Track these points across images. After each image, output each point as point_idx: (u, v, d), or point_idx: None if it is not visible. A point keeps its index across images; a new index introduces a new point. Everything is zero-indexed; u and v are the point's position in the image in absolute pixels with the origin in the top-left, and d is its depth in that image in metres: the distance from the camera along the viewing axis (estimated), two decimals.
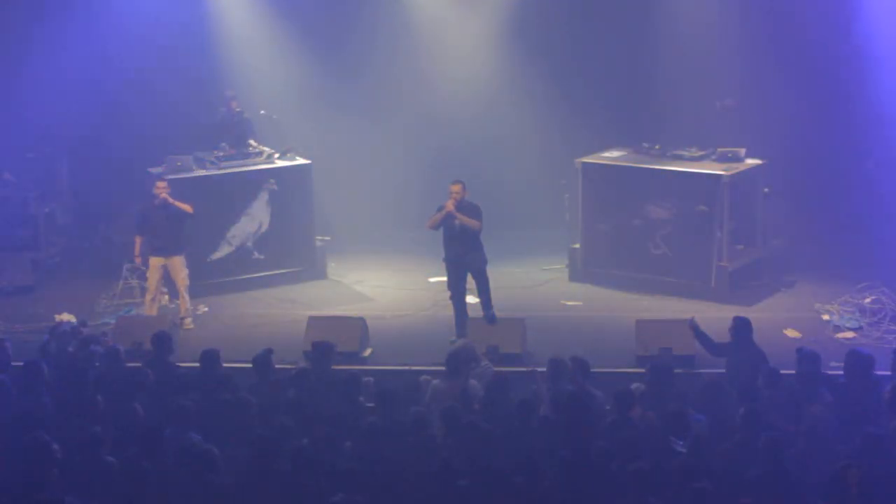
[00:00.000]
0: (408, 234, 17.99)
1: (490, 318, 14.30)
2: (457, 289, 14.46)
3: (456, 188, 14.37)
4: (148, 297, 15.23)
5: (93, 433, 10.01)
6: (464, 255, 14.34)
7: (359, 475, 9.52)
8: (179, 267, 15.17)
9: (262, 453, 9.69)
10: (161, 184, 15.15)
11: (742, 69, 17.14)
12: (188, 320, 15.20)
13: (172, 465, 9.82)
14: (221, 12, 18.26)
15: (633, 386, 11.38)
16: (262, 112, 17.39)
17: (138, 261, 15.43)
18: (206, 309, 15.83)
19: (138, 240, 15.33)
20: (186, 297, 15.21)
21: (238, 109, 17.39)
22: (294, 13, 18.33)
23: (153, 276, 15.14)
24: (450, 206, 14.23)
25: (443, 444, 10.26)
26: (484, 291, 14.43)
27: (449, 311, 15.06)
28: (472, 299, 14.78)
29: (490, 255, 16.29)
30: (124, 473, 9.63)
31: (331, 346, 12.25)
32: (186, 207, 15.10)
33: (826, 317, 14.82)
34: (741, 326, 12.22)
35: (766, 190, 16.23)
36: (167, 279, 15.34)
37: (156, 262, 15.13)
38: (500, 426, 10.40)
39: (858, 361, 11.28)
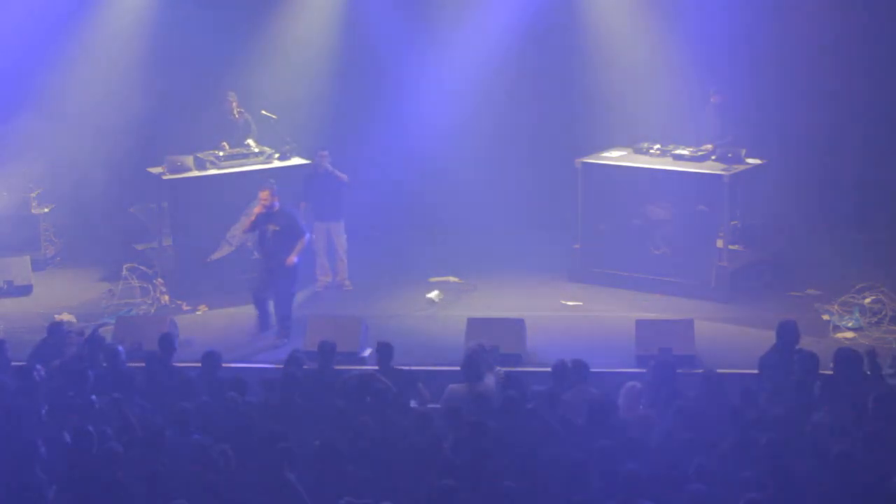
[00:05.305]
0: (407, 233, 18.00)
1: (281, 326, 14.53)
2: (257, 293, 14.69)
3: (263, 195, 14.61)
4: (319, 261, 16.27)
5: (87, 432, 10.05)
6: (271, 268, 14.58)
7: (363, 476, 9.56)
8: (339, 232, 16.05)
9: (273, 454, 9.71)
10: (324, 153, 16.15)
11: (742, 67, 17.13)
12: (348, 282, 16.33)
13: (183, 465, 9.84)
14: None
15: (630, 384, 11.36)
16: (263, 112, 17.38)
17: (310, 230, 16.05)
18: (206, 308, 15.85)
19: (303, 206, 15.93)
20: (345, 259, 16.28)
21: (239, 110, 17.40)
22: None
23: (319, 240, 16.07)
24: (258, 209, 14.62)
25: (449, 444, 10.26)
26: (280, 311, 14.56)
27: (450, 311, 15.19)
28: (434, 294, 15.23)
29: (490, 256, 16.38)
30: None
31: (333, 345, 12.30)
32: (343, 176, 16.13)
33: (826, 317, 14.82)
34: (784, 331, 12.14)
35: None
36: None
37: (320, 226, 16.08)
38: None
39: (847, 359, 11.30)
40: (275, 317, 14.67)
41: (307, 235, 14.85)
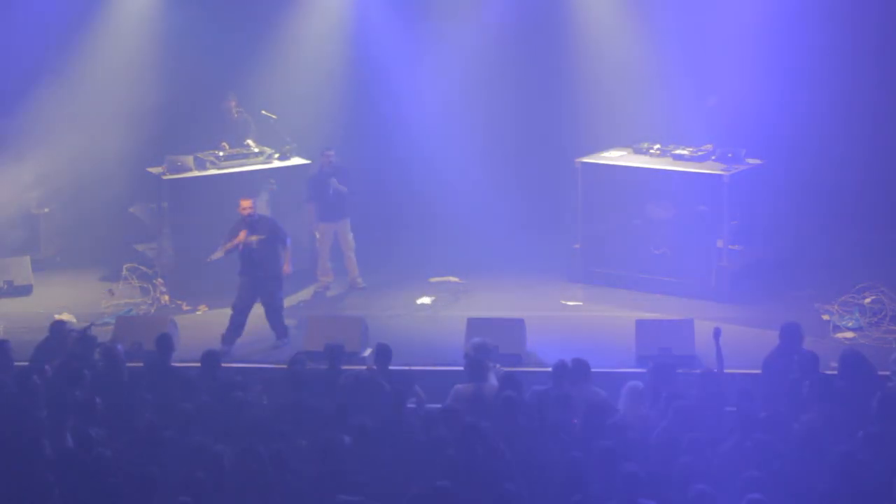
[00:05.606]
0: (407, 233, 18.00)
1: (280, 330, 14.47)
2: (242, 303, 14.42)
3: (246, 203, 14.44)
4: (321, 262, 16.37)
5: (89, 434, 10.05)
6: (259, 277, 14.41)
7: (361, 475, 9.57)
8: (346, 231, 16.13)
9: (273, 454, 9.72)
10: (329, 152, 16.21)
11: (742, 68, 17.12)
12: (360, 279, 16.44)
13: (180, 466, 9.83)
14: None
15: (632, 383, 11.35)
16: (263, 112, 17.39)
17: (315, 227, 16.24)
18: (206, 308, 15.86)
19: (311, 207, 16.14)
20: (353, 258, 16.31)
21: (238, 110, 17.40)
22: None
23: (325, 241, 16.21)
24: (242, 237, 14.31)
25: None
26: (274, 317, 14.49)
27: (450, 311, 15.19)
28: (425, 300, 15.34)
29: (490, 256, 16.32)
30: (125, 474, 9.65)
31: (341, 347, 12.33)
32: (343, 188, 16.14)
33: (826, 317, 14.81)
34: (787, 332, 12.11)
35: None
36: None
37: (327, 227, 16.11)
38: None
39: (853, 361, 11.28)
40: (269, 324, 14.55)
41: (288, 240, 14.75)
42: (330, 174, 16.13)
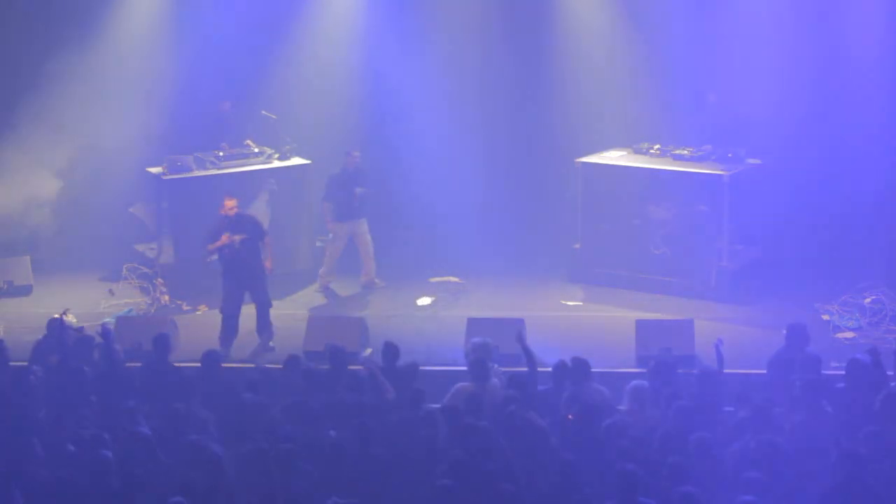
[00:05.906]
0: (407, 233, 18.00)
1: (269, 331, 14.44)
2: (230, 304, 14.39)
3: (231, 203, 14.42)
4: (327, 262, 16.47)
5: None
6: (244, 277, 14.36)
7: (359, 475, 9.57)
8: (364, 230, 16.30)
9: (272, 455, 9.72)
10: (355, 153, 16.32)
11: (742, 68, 17.11)
12: (378, 280, 16.54)
13: (177, 466, 9.83)
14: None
15: (636, 383, 11.35)
16: (263, 112, 17.39)
17: (331, 226, 16.39)
18: (206, 308, 15.86)
19: (327, 206, 16.25)
20: (372, 258, 16.50)
21: (235, 111, 17.39)
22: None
23: (338, 241, 16.31)
24: (225, 239, 14.25)
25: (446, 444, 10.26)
26: (264, 315, 14.46)
27: (450, 311, 15.18)
28: (425, 301, 15.27)
29: (490, 256, 16.30)
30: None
31: (343, 348, 12.32)
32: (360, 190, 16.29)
33: (826, 317, 14.82)
34: (793, 333, 12.09)
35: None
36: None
37: (342, 227, 16.23)
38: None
39: (859, 369, 11.27)
40: (258, 322, 14.51)
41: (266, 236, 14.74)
42: (352, 174, 16.15)
